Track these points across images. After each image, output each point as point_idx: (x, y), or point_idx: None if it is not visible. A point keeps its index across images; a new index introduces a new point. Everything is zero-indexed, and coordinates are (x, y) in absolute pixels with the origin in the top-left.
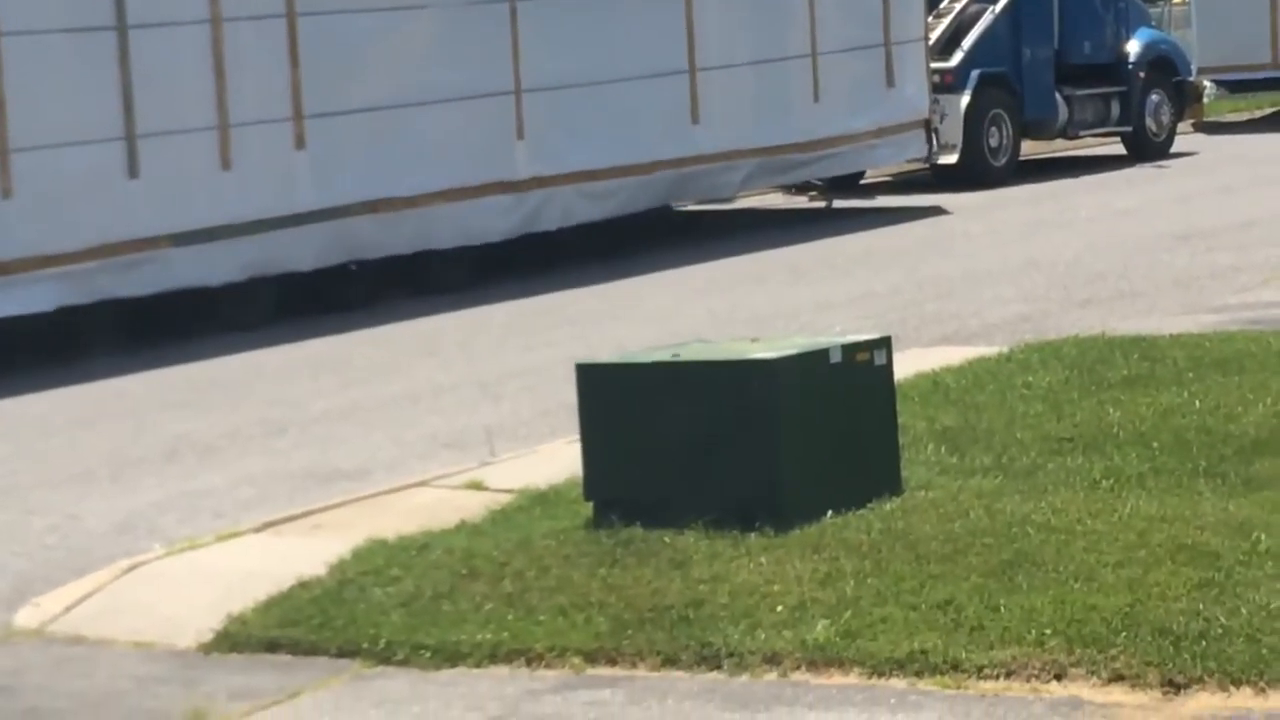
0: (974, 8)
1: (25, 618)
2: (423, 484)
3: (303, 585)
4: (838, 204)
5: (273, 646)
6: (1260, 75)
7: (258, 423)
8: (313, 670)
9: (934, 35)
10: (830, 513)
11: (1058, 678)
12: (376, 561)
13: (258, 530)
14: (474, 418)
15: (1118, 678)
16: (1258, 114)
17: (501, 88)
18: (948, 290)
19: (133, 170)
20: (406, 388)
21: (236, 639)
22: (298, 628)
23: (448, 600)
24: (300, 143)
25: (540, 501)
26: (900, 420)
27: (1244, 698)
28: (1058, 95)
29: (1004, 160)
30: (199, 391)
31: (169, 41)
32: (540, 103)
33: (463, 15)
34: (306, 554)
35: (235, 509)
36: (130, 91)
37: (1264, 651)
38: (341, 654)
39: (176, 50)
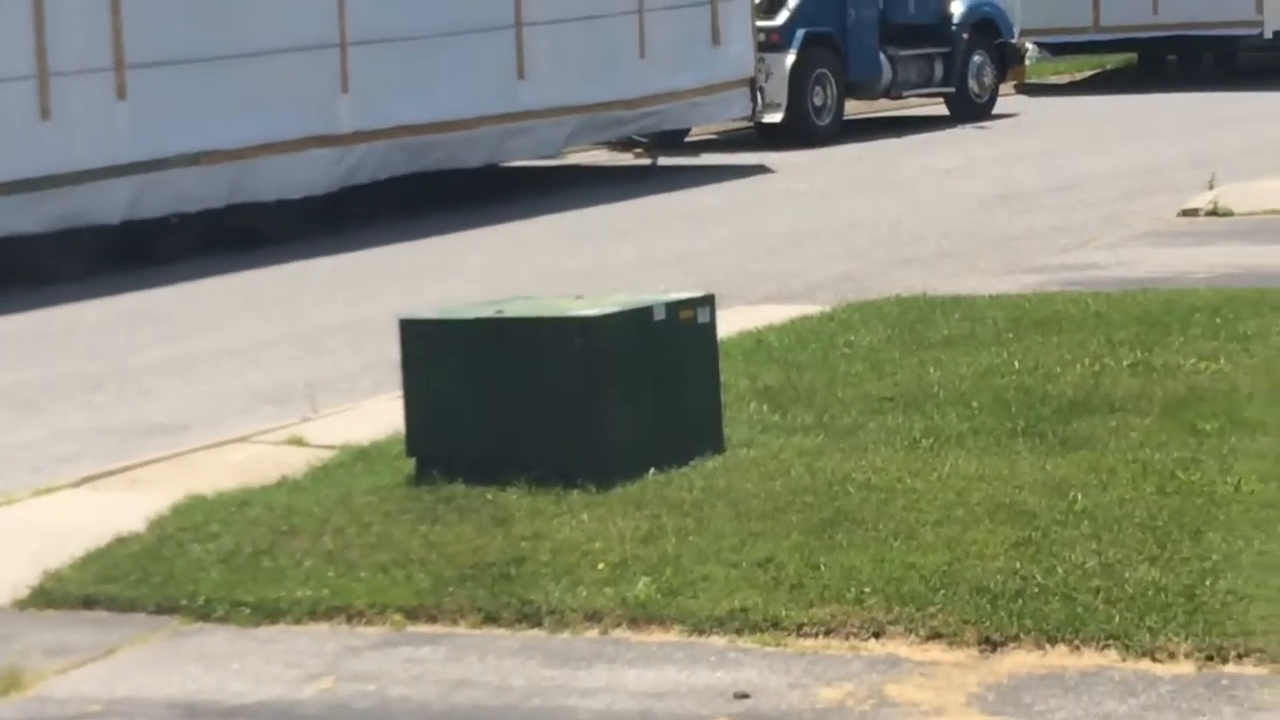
0: None
1: None
2: (243, 439)
3: (121, 541)
4: (663, 161)
5: (90, 603)
6: (1081, 39)
7: (76, 376)
8: (130, 627)
9: None
10: (653, 470)
11: (876, 635)
12: (196, 518)
13: (75, 485)
14: (295, 373)
15: (935, 636)
16: (1078, 77)
17: (326, 40)
18: (772, 249)
19: None
20: (227, 342)
21: (53, 595)
22: (115, 584)
23: (267, 557)
24: (121, 93)
25: (362, 458)
26: (723, 378)
27: (1059, 655)
28: (882, 55)
29: (828, 120)
30: (15, 344)
31: None
32: (365, 56)
33: None
34: (125, 510)
35: (52, 463)
36: None
37: (1079, 610)
38: (160, 610)
39: None
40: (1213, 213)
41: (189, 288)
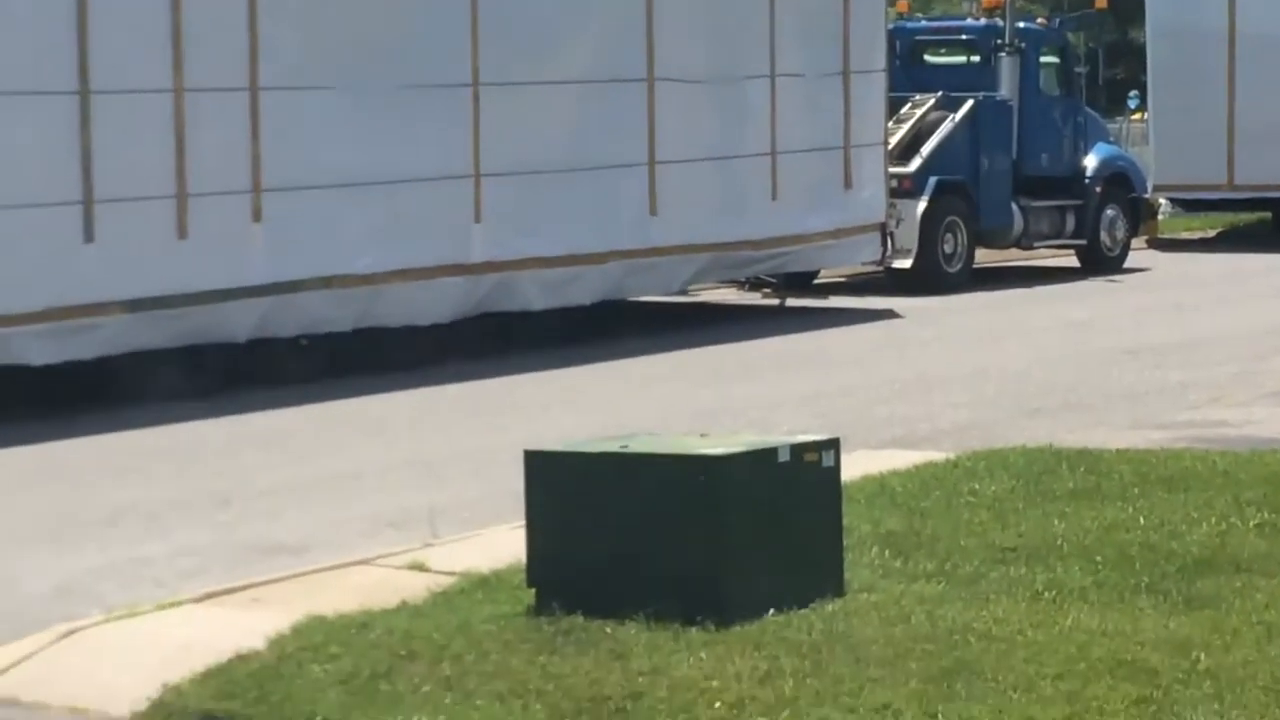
0: (934, 115)
1: None
2: (364, 562)
3: (241, 658)
4: (791, 303)
5: (209, 718)
6: (1215, 196)
7: (202, 494)
8: None
9: (894, 140)
10: (772, 611)
11: None
12: (315, 638)
13: (198, 600)
14: (418, 498)
15: None
16: (1211, 233)
17: (461, 170)
18: (898, 393)
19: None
20: (350, 465)
21: (172, 709)
22: (234, 701)
23: (385, 680)
24: (257, 215)
25: (482, 585)
26: (845, 522)
27: None
28: (1014, 205)
29: (958, 267)
30: (144, 459)
31: (131, 108)
32: (498, 187)
33: (425, 97)
34: (245, 627)
35: (176, 578)
36: (90, 157)
37: None
38: None
39: (138, 117)
40: None
41: (315, 409)
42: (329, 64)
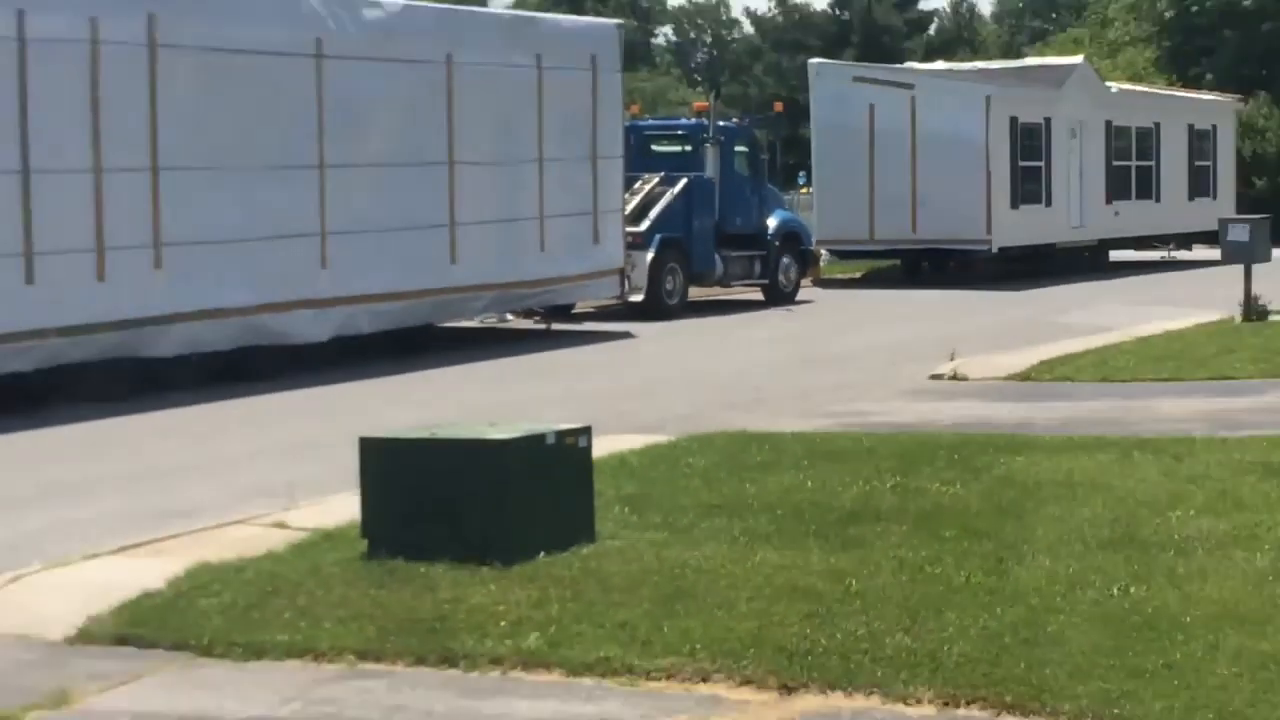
0: (658, 189)
1: None
2: (240, 522)
3: (147, 595)
4: (555, 326)
5: (122, 640)
6: (860, 247)
7: (117, 473)
8: (152, 660)
9: (629, 207)
10: (543, 554)
11: (704, 680)
12: (203, 579)
13: (114, 553)
14: (280, 475)
15: (747, 682)
16: (858, 274)
17: (312, 230)
18: (634, 392)
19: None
20: (228, 450)
21: (94, 634)
22: (142, 627)
23: (256, 610)
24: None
25: (327, 538)
26: (595, 487)
27: (836, 699)
28: (717, 255)
29: (676, 300)
30: (73, 448)
31: (61, 184)
32: (339, 242)
33: (283, 175)
34: (150, 573)
35: (98, 536)
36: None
37: (851, 666)
38: (175, 648)
39: (68, 191)
40: (953, 377)
41: (199, 409)
42: (214, 150)
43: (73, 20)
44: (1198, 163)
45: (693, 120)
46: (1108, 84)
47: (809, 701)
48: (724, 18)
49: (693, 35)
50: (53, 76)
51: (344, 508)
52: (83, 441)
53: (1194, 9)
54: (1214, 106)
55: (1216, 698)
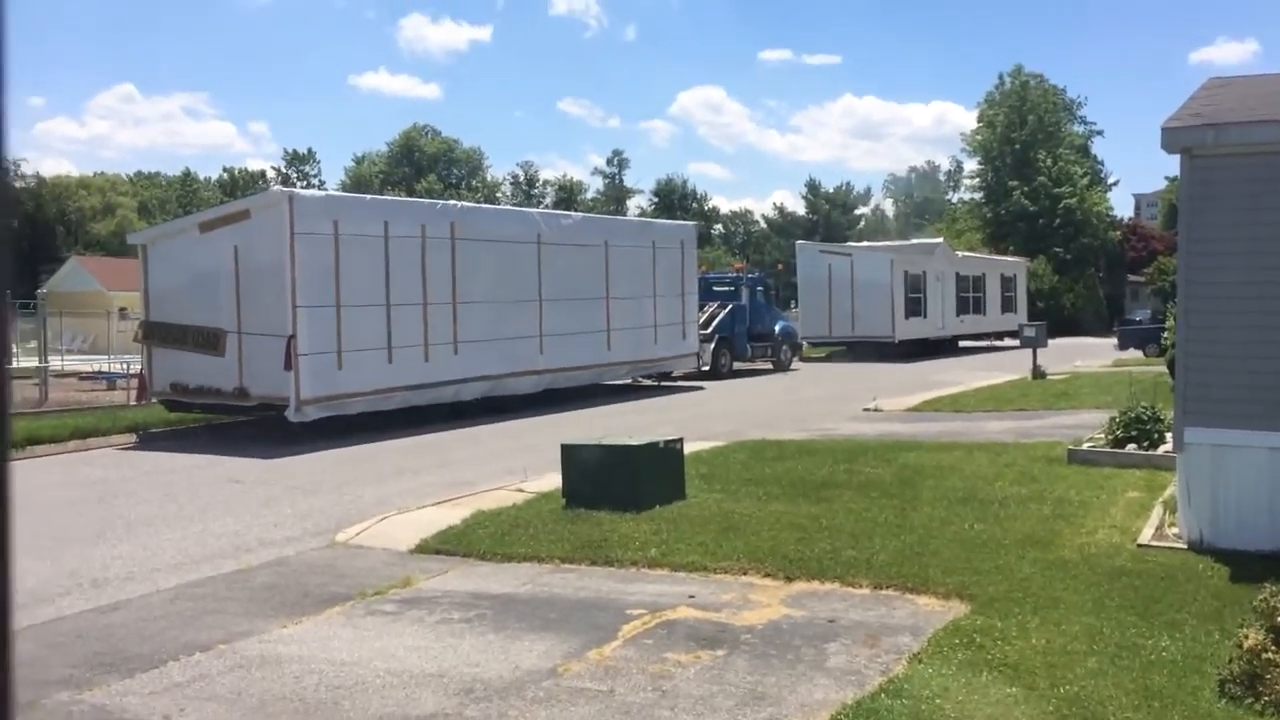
0: (716, 310)
1: (340, 537)
2: (498, 489)
3: (451, 527)
4: (663, 384)
5: (437, 552)
6: (825, 340)
7: (430, 462)
8: (452, 562)
9: (701, 320)
10: (657, 506)
11: (744, 573)
12: (479, 519)
13: (432, 505)
14: (517, 463)
15: (767, 574)
16: (824, 355)
17: (532, 333)
18: (703, 418)
19: (390, 359)
20: (490, 450)
21: (424, 548)
22: (448, 544)
23: (507, 535)
24: (456, 351)
25: (545, 498)
26: (685, 470)
27: (814, 585)
28: (748, 345)
29: (727, 369)
30: (406, 454)
31: (405, 312)
32: (548, 340)
33: (518, 306)
34: (452, 516)
35: (426, 496)
36: (390, 328)
37: (824, 566)
38: (465, 556)
39: (408, 315)
40: (876, 410)
41: (475, 429)
42: (485, 291)
43: (411, 226)
44: (1006, 294)
45: (734, 274)
46: (957, 252)
47: (801, 586)
48: (750, 220)
49: (733, 228)
50: (403, 255)
51: (553, 481)
52: (416, 446)
53: (1003, 214)
54: (1015, 264)
55: (1023, 585)
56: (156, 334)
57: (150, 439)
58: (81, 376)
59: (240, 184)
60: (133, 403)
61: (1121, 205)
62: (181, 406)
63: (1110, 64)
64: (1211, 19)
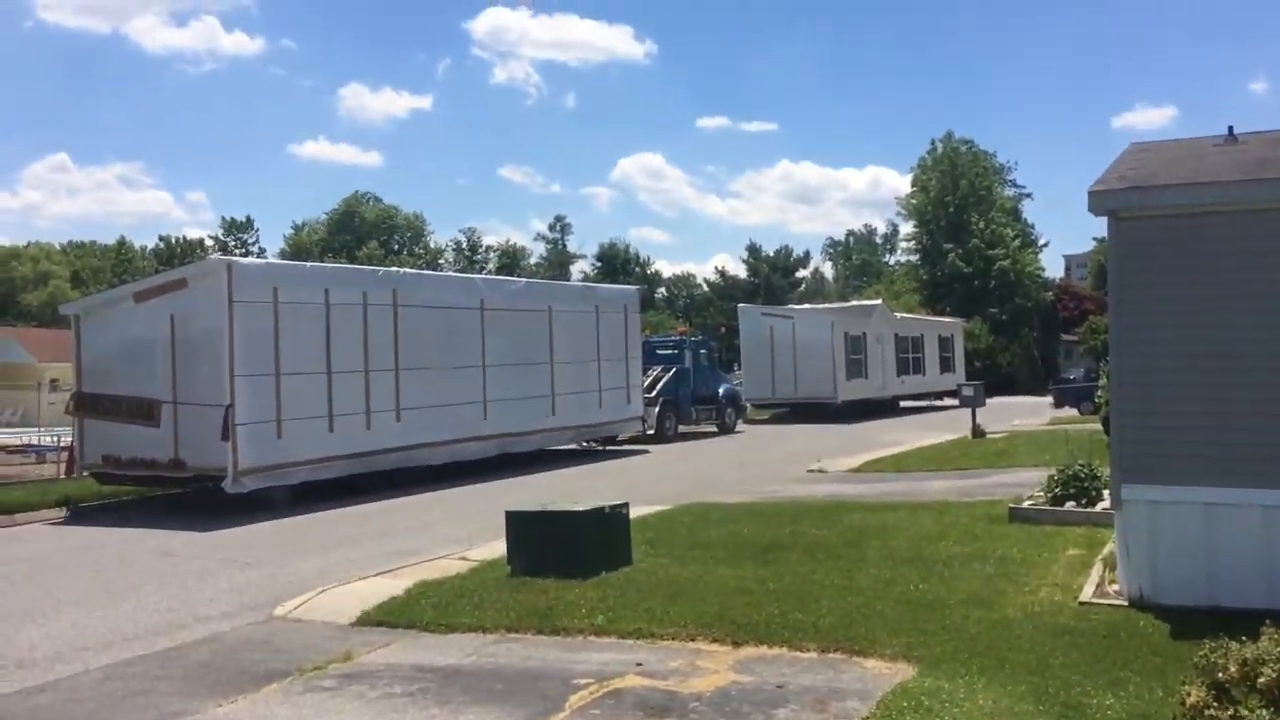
0: (661, 374)
1: (279, 611)
2: (441, 558)
3: (393, 598)
4: (608, 448)
5: (379, 624)
6: (768, 402)
7: (371, 533)
8: (396, 634)
9: (646, 384)
10: (604, 572)
11: (692, 639)
12: (422, 589)
13: (374, 576)
14: (460, 532)
15: (715, 640)
16: (767, 417)
17: (476, 398)
18: (649, 482)
19: (330, 428)
20: (432, 518)
21: (366, 620)
22: (389, 615)
23: (450, 605)
24: (399, 419)
25: (490, 566)
26: (632, 535)
27: (762, 649)
28: (692, 408)
29: (672, 432)
30: (347, 523)
31: (347, 379)
32: (493, 406)
33: (462, 372)
34: (393, 586)
35: (365, 567)
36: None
37: (771, 630)
38: (408, 627)
39: (349, 383)
40: (820, 471)
41: (416, 497)
42: (426, 358)
43: (353, 294)
44: (944, 354)
45: (678, 337)
46: (896, 313)
47: (749, 651)
48: (692, 283)
49: (676, 292)
50: (345, 323)
51: (497, 549)
52: (357, 515)
53: (939, 275)
54: (952, 325)
55: (969, 645)
56: (89, 405)
57: (81, 513)
58: (10, 450)
59: (178, 252)
60: (63, 476)
61: (1052, 266)
62: (114, 479)
63: (1037, 129)
64: (1131, 86)
